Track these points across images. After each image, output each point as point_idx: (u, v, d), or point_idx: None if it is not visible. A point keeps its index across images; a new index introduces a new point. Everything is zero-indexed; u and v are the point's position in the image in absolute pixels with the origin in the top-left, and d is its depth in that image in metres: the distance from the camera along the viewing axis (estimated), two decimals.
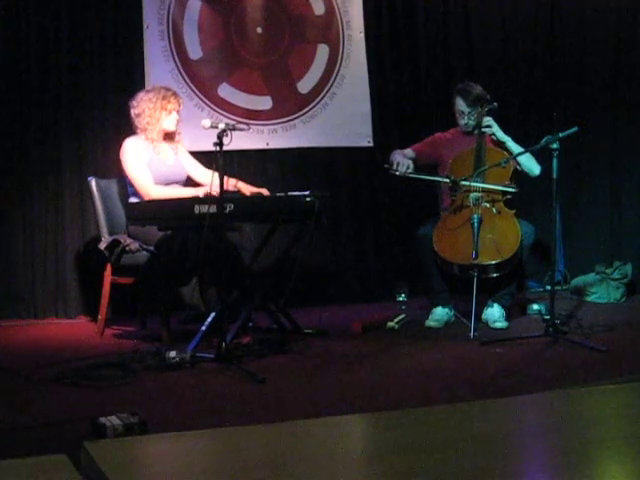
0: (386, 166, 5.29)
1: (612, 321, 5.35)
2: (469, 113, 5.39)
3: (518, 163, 5.30)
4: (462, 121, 5.44)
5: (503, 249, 5.05)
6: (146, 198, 4.91)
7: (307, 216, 4.70)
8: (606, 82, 6.74)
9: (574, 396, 1.91)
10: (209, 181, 4.89)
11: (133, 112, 5.08)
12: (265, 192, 5.11)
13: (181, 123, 5.20)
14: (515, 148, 5.32)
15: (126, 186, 5.10)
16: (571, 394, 2.25)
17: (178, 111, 5.12)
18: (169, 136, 5.15)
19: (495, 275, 5.08)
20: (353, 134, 6.36)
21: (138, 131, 5.07)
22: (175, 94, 5.12)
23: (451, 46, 6.65)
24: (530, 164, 5.30)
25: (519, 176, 5.33)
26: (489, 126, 5.33)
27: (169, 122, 5.09)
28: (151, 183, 4.94)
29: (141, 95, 5.09)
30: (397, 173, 5.24)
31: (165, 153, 5.11)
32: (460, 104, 5.41)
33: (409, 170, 5.25)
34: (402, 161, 5.27)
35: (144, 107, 5.03)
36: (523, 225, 5.18)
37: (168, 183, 5.02)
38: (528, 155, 5.25)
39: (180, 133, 5.22)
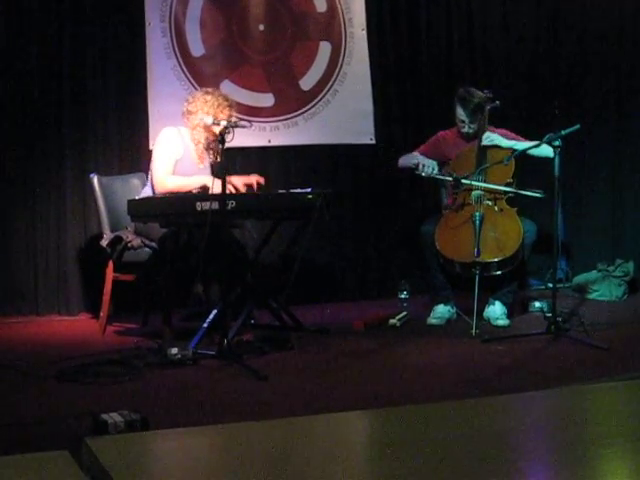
0: (412, 165, 5.27)
1: (614, 319, 5.35)
2: (470, 122, 5.36)
3: (530, 156, 5.26)
4: (463, 130, 5.41)
5: (505, 246, 5.05)
6: (159, 188, 4.83)
7: (309, 213, 4.70)
8: (609, 80, 6.73)
9: (576, 393, 1.91)
10: None
11: (186, 107, 4.91)
12: (255, 178, 5.03)
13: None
14: (521, 146, 5.26)
15: (146, 176, 5.06)
16: (573, 391, 2.25)
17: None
18: (210, 145, 4.95)
19: (497, 273, 5.08)
20: (355, 131, 6.35)
21: (187, 126, 4.93)
22: (231, 106, 4.90)
23: (454, 43, 6.63)
24: (541, 152, 5.24)
25: (531, 171, 5.31)
26: (491, 140, 5.28)
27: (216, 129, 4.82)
28: (168, 174, 4.83)
29: (199, 95, 4.94)
30: (423, 174, 5.22)
31: (201, 157, 4.99)
32: (460, 113, 5.37)
33: (434, 172, 5.23)
34: (427, 162, 5.25)
35: (198, 109, 4.85)
36: (525, 223, 5.18)
37: None
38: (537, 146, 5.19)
39: None
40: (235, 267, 4.73)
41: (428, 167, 5.22)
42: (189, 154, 4.94)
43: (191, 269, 4.74)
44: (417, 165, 5.24)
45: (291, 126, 6.19)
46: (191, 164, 4.94)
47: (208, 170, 5.01)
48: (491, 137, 5.28)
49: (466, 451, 1.36)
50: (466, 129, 5.38)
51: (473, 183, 5.17)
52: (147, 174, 5.04)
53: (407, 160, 5.42)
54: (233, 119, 4.81)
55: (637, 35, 6.69)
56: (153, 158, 4.92)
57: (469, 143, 5.40)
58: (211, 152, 4.99)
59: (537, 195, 5.09)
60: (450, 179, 5.22)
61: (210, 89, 5.03)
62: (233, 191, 4.78)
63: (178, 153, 4.91)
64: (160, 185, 4.84)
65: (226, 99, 4.93)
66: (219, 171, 4.53)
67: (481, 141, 5.27)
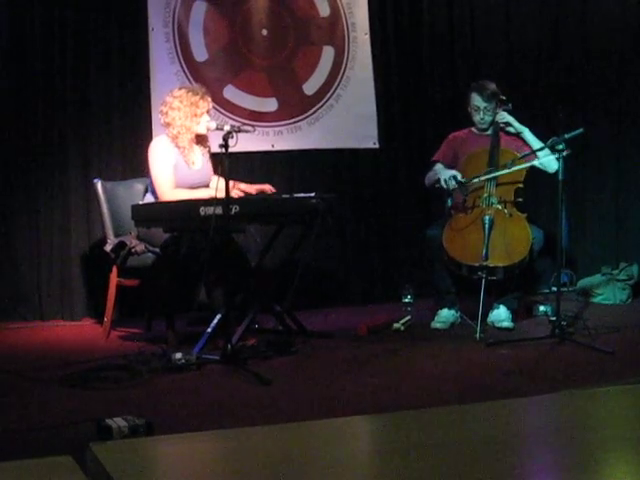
0: (437, 186, 5.28)
1: (618, 322, 5.34)
2: (485, 108, 5.35)
3: (537, 157, 5.25)
4: (477, 117, 5.39)
5: (513, 253, 5.03)
6: (162, 199, 4.83)
7: (312, 217, 4.69)
8: (612, 83, 6.72)
9: (580, 397, 1.91)
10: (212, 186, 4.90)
11: (162, 120, 4.89)
12: (268, 188, 5.08)
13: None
14: (532, 140, 5.26)
15: (147, 183, 5.05)
16: (577, 395, 2.25)
17: (209, 111, 4.92)
18: (201, 139, 4.98)
19: (502, 278, 5.06)
20: (358, 136, 6.36)
21: (169, 137, 4.90)
22: (204, 95, 4.87)
23: (456, 47, 6.64)
24: (548, 162, 5.22)
25: (534, 174, 5.30)
26: (502, 117, 5.32)
27: (201, 127, 4.86)
28: (170, 187, 4.81)
29: (169, 102, 4.86)
30: (451, 188, 5.21)
31: (194, 157, 4.94)
32: (476, 99, 5.37)
33: (457, 179, 5.19)
34: (447, 175, 5.20)
35: (173, 116, 4.82)
36: (533, 230, 5.16)
37: (194, 187, 4.88)
38: (546, 151, 5.17)
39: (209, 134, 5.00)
40: (238, 272, 4.73)
41: (450, 180, 5.18)
42: (182, 157, 4.91)
43: (194, 274, 4.74)
44: (439, 182, 5.24)
45: (294, 131, 6.20)
46: (185, 167, 4.92)
47: (201, 171, 5.02)
48: (506, 118, 5.33)
49: (470, 456, 1.35)
50: (481, 115, 5.36)
51: (482, 178, 5.16)
52: (148, 183, 5.03)
53: (431, 178, 5.41)
54: (210, 104, 4.88)
55: (639, 36, 6.68)
56: (154, 172, 4.86)
57: (480, 138, 5.38)
58: (201, 147, 4.99)
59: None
60: (477, 180, 5.19)
61: (176, 92, 4.92)
62: (242, 195, 4.81)
63: (172, 159, 4.88)
64: (162, 196, 4.83)
65: (195, 92, 4.88)
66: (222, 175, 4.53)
67: (495, 136, 5.27)
